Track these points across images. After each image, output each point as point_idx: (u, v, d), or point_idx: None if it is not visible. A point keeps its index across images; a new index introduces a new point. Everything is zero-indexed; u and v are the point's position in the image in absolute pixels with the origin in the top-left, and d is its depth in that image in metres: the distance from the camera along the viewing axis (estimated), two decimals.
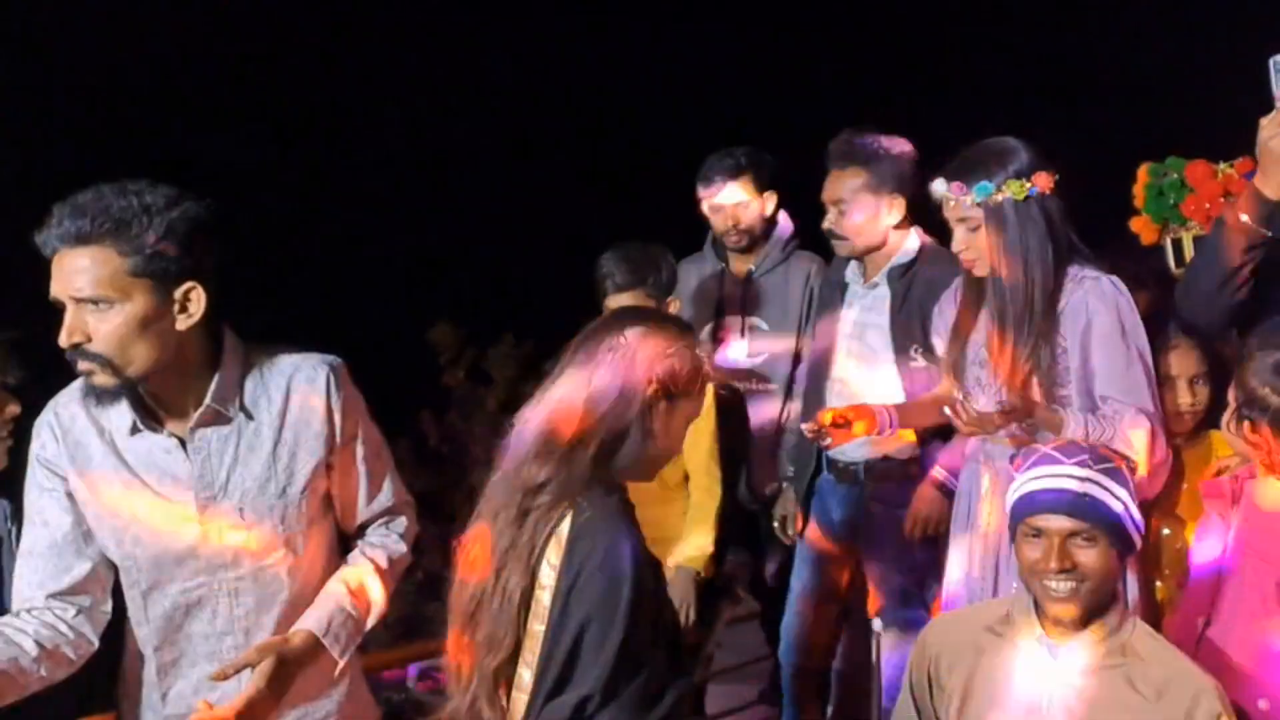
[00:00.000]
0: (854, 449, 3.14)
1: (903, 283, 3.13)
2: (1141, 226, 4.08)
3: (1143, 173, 4.03)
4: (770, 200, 3.60)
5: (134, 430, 2.01)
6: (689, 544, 3.17)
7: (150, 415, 2.02)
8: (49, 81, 4.87)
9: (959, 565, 2.74)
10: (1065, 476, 2.04)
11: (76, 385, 2.05)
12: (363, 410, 2.18)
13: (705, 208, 3.62)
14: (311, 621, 2.02)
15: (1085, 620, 2.05)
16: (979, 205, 2.55)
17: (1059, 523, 2.02)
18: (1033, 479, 2.09)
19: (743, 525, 3.39)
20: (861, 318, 3.19)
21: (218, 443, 2.03)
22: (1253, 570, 2.24)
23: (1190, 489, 2.63)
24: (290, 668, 1.95)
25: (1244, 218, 2.36)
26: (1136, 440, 2.49)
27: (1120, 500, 2.03)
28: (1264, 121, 2.29)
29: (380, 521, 2.23)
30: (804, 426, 2.76)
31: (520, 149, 6.19)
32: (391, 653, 3.94)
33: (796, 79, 6.09)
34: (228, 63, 5.55)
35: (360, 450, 2.16)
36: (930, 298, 3.01)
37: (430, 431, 6.60)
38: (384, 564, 2.16)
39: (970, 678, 2.14)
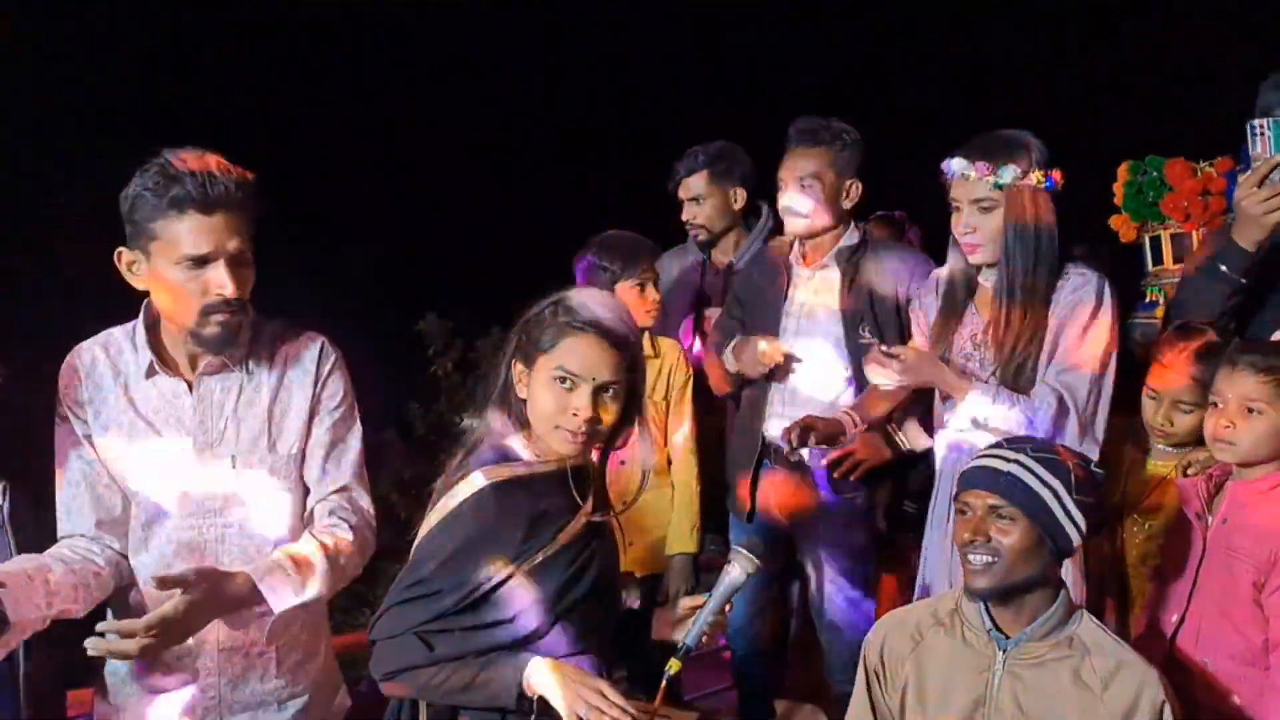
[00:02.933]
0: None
1: (851, 264, 3.19)
2: (1120, 224, 4.13)
3: (1122, 171, 4.08)
4: (739, 196, 3.66)
5: (150, 373, 2.14)
6: (678, 531, 3.28)
7: (165, 363, 2.15)
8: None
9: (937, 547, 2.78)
10: (996, 457, 2.11)
11: (97, 335, 2.19)
12: (347, 391, 2.28)
13: None
14: (251, 568, 2.09)
15: (1001, 599, 2.10)
16: (1001, 188, 2.60)
17: (979, 498, 2.09)
18: (970, 461, 2.17)
19: (721, 512, 3.45)
20: (808, 299, 3.24)
21: (220, 393, 2.16)
22: (1230, 569, 2.27)
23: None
24: (218, 601, 2.01)
25: (1223, 268, 2.50)
26: (1040, 419, 2.54)
27: (1049, 488, 2.06)
28: (1241, 180, 2.43)
29: (339, 502, 2.26)
30: (783, 444, 2.78)
31: (507, 141, 6.21)
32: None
33: (785, 70, 6.12)
34: (222, 56, 5.57)
35: (327, 418, 2.24)
36: (879, 279, 3.13)
37: (419, 422, 6.64)
38: (330, 546, 2.19)
39: (918, 669, 2.18)
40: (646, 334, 3.33)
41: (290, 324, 2.28)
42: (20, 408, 2.22)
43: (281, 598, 2.09)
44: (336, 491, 2.27)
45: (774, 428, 3.24)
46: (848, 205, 3.22)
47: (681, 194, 3.69)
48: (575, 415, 1.90)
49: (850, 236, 3.23)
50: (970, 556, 2.08)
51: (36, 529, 2.16)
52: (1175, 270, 4.13)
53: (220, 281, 2.05)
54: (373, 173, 6.17)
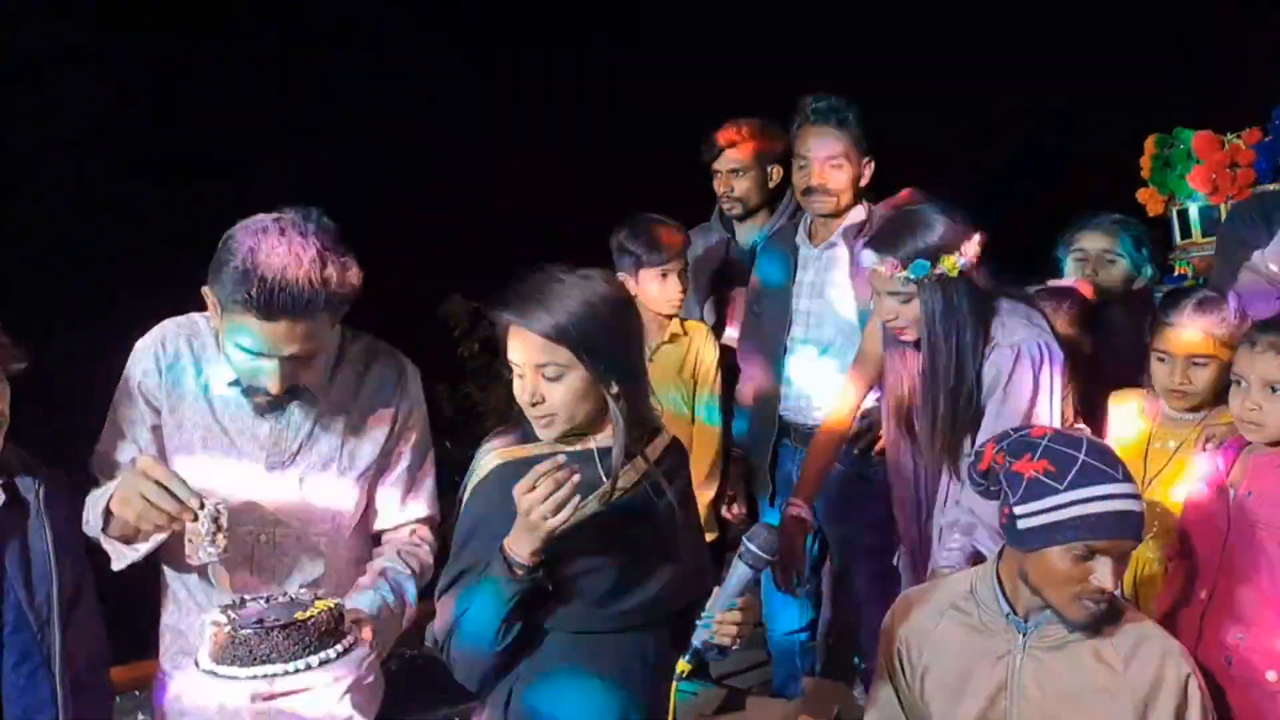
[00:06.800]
0: (815, 413, 3.19)
1: (859, 241, 3.15)
2: (1148, 198, 4.11)
3: (1150, 144, 4.06)
4: (776, 174, 3.65)
5: (234, 382, 2.12)
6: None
7: None
8: None
9: None
10: (1126, 497, 1.93)
11: (183, 321, 2.17)
12: (423, 419, 2.29)
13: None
14: (368, 613, 2.09)
15: None
16: (913, 281, 2.51)
17: (1125, 545, 1.94)
18: (1092, 499, 1.92)
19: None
20: (818, 278, 3.25)
21: (299, 416, 2.15)
22: (1259, 540, 2.25)
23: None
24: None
25: (1273, 267, 2.51)
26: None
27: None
28: None
29: (409, 532, 2.30)
30: None
31: (529, 120, 6.21)
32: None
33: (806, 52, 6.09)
34: (241, 41, 5.59)
35: (409, 454, 2.27)
36: None
37: (445, 403, 6.67)
38: (417, 570, 2.25)
39: (937, 654, 2.14)
40: (674, 317, 3.35)
41: (376, 344, 2.27)
42: (54, 398, 2.22)
43: (385, 644, 2.15)
44: (418, 521, 2.31)
45: (791, 409, 3.25)
46: (863, 184, 3.23)
47: (719, 166, 3.66)
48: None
49: (856, 214, 3.23)
50: (1090, 603, 1.96)
51: (71, 517, 2.17)
52: (1204, 243, 4.11)
53: (270, 377, 2.03)
54: (392, 150, 6.17)
